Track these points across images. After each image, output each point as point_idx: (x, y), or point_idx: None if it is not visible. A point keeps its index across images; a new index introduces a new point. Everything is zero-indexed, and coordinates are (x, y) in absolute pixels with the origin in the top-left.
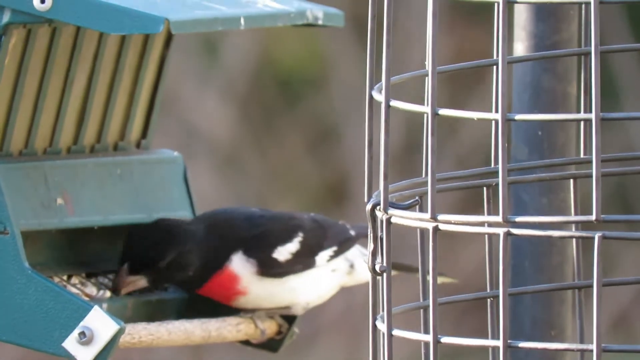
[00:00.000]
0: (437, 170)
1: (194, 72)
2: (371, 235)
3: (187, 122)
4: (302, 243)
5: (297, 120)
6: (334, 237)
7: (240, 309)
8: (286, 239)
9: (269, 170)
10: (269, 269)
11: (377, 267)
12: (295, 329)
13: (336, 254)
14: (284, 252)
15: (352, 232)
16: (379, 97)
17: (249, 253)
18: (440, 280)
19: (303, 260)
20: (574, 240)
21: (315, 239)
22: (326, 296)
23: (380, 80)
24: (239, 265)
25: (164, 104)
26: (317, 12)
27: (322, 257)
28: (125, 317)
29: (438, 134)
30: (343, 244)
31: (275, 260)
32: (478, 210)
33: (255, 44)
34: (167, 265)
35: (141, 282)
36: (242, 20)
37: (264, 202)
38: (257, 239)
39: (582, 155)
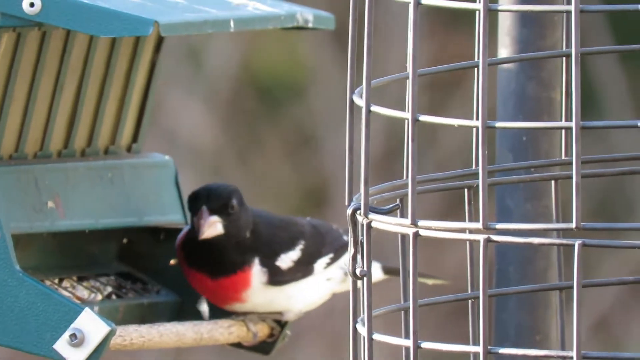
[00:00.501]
0: (417, 173)
1: (177, 80)
2: (351, 239)
3: (169, 129)
4: (303, 251)
5: (278, 127)
6: (330, 244)
7: (233, 312)
8: (290, 246)
9: (250, 176)
10: (273, 277)
11: (358, 272)
12: (287, 331)
13: (332, 261)
14: (287, 260)
15: (346, 238)
16: (360, 101)
17: (262, 261)
18: (431, 282)
19: (302, 268)
20: (556, 246)
21: (314, 246)
22: (319, 303)
23: (361, 85)
24: (256, 273)
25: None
26: (307, 15)
27: (320, 264)
28: (117, 320)
29: (418, 138)
30: (338, 251)
31: (278, 268)
32: (459, 213)
33: (237, 52)
34: (237, 208)
35: (219, 226)
36: (231, 23)
37: None
38: (268, 245)
39: (562, 156)
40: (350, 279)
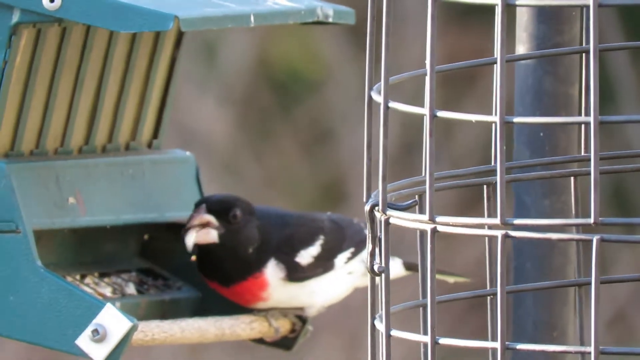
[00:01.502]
0: (435, 170)
1: (192, 75)
2: (369, 235)
3: (184, 125)
4: (323, 246)
5: (293, 123)
6: (351, 239)
7: (256, 309)
8: (309, 242)
9: (265, 172)
10: (294, 273)
11: (376, 268)
12: (309, 326)
13: (353, 255)
14: (306, 256)
15: (367, 231)
16: (378, 98)
17: (279, 258)
18: (452, 279)
19: (323, 264)
20: (575, 242)
21: (334, 241)
22: (341, 297)
23: (379, 81)
24: (272, 272)
25: None
26: (327, 10)
27: (341, 259)
28: (138, 316)
29: (436, 135)
30: (359, 245)
31: (298, 264)
32: (477, 209)
33: (253, 47)
34: (239, 220)
35: (212, 231)
36: (252, 18)
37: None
38: (285, 242)
39: (582, 153)
40: None
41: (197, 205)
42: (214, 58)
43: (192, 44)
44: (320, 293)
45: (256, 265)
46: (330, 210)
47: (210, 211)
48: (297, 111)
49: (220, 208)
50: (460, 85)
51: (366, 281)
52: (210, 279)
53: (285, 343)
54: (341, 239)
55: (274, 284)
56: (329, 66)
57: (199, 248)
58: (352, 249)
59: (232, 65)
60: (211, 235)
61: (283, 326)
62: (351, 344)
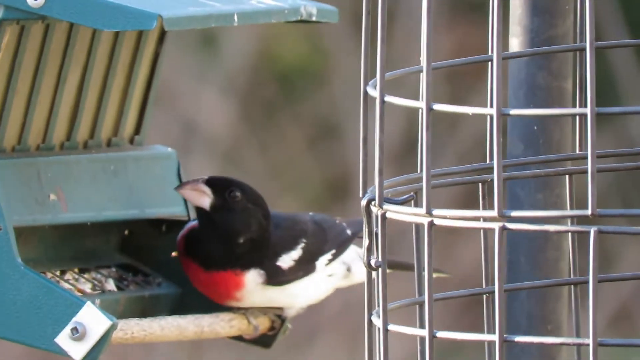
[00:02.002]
0: (436, 166)
1: (194, 68)
2: (366, 230)
3: (187, 117)
4: (304, 249)
5: (297, 117)
6: (333, 240)
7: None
8: (291, 246)
9: (268, 166)
10: (274, 277)
11: (372, 263)
12: (288, 324)
13: (334, 257)
14: (287, 260)
15: (349, 231)
16: (374, 92)
17: (260, 264)
18: (435, 275)
19: (304, 267)
20: (569, 235)
21: (316, 244)
22: (320, 298)
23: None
24: (251, 276)
25: (164, 99)
26: (310, 9)
27: (322, 261)
28: (118, 312)
29: (438, 130)
30: (341, 246)
31: (279, 268)
32: (473, 207)
33: (255, 39)
34: (237, 201)
35: (205, 197)
36: (235, 17)
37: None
38: (269, 248)
39: (577, 151)
40: (353, 275)
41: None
42: (216, 50)
43: (195, 35)
44: (299, 295)
45: (241, 262)
46: (334, 204)
47: (208, 183)
48: (301, 104)
49: (219, 183)
50: (466, 81)
51: (348, 282)
52: (195, 259)
53: (264, 341)
54: (323, 241)
55: (250, 288)
56: (333, 59)
57: (194, 231)
58: (333, 251)
59: (235, 58)
60: (203, 200)
61: (262, 324)
62: (352, 340)
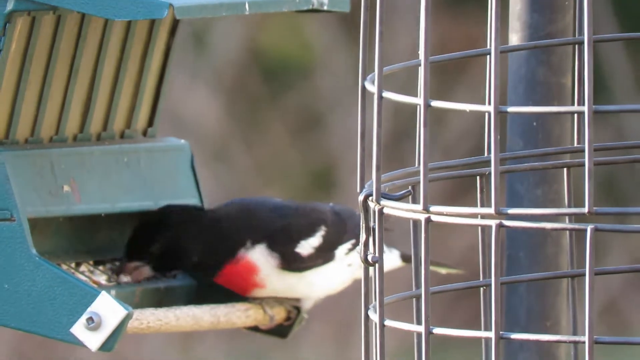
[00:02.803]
0: (429, 158)
1: (181, 64)
2: (363, 225)
3: (173, 112)
4: (324, 237)
5: (283, 111)
6: (352, 231)
7: (253, 298)
8: (310, 233)
9: (256, 160)
10: (292, 263)
11: (369, 258)
12: (305, 315)
13: (353, 247)
14: (306, 247)
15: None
16: (372, 88)
17: (272, 246)
18: (445, 270)
19: (324, 255)
20: (567, 232)
21: (336, 233)
22: (339, 289)
23: (371, 71)
24: (261, 257)
25: None
26: None
27: (341, 251)
28: (134, 303)
29: (431, 121)
30: (360, 237)
31: (298, 254)
32: (470, 198)
33: (242, 33)
34: (161, 251)
35: (144, 269)
36: (246, 6)
37: (251, 193)
38: (282, 232)
39: (575, 144)
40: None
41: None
42: (203, 45)
43: (181, 31)
44: (318, 284)
45: (229, 253)
46: (320, 197)
47: (130, 257)
48: (288, 99)
49: (138, 251)
50: (452, 73)
51: None
52: (197, 273)
53: (280, 331)
54: (342, 231)
55: (266, 270)
56: (319, 54)
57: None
58: (353, 241)
59: (222, 53)
60: (144, 271)
61: (278, 314)
62: (343, 332)
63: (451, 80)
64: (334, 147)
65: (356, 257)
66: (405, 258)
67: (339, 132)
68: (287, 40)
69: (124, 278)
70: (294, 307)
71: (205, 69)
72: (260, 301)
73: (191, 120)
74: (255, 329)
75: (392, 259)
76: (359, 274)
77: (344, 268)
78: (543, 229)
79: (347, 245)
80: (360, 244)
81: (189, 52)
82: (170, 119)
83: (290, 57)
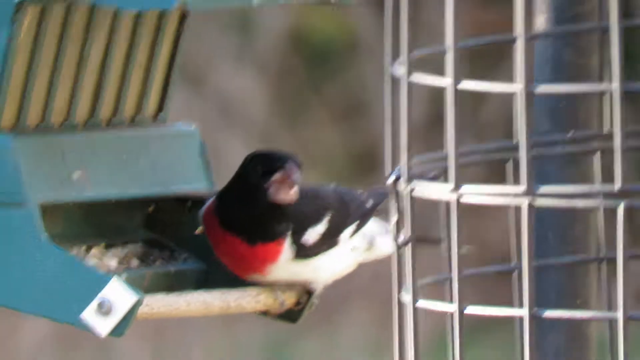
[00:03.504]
0: (460, 143)
1: (227, 48)
2: (394, 208)
3: (220, 97)
4: (329, 223)
5: (327, 94)
6: (354, 213)
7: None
8: (316, 219)
9: (299, 143)
10: (300, 252)
11: (401, 240)
12: (315, 300)
13: (357, 229)
14: (313, 234)
15: (370, 203)
16: (400, 71)
17: (293, 236)
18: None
19: (328, 241)
20: (598, 211)
21: (340, 217)
22: (344, 273)
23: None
24: (286, 248)
25: (198, 78)
26: None
27: (345, 234)
28: (143, 288)
29: (462, 107)
30: (363, 219)
31: (305, 242)
32: (500, 184)
33: (287, 19)
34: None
35: (295, 189)
36: None
37: None
38: (298, 219)
39: (604, 128)
40: (375, 248)
41: (272, 162)
42: (249, 30)
43: (227, 16)
44: (323, 269)
45: (282, 231)
46: (362, 180)
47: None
48: (331, 81)
49: (300, 166)
50: (490, 58)
51: (369, 256)
52: (240, 235)
53: (290, 316)
54: (346, 214)
55: (281, 262)
56: (362, 36)
57: (232, 205)
58: (356, 223)
59: (267, 37)
60: (293, 194)
61: (289, 299)
62: (382, 311)
63: (491, 65)
64: (377, 130)
65: (359, 240)
66: (421, 239)
67: (382, 115)
68: (331, 25)
69: (134, 262)
70: (305, 292)
71: (250, 53)
72: (271, 286)
73: (237, 104)
74: (265, 313)
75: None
76: (363, 257)
77: (347, 252)
78: (573, 208)
79: (351, 228)
80: (391, 226)
81: (234, 36)
82: (216, 103)
83: (333, 41)
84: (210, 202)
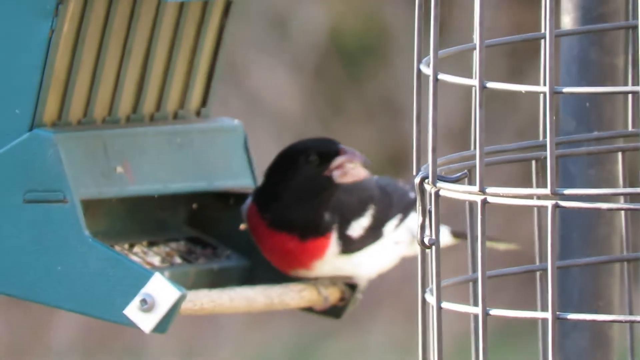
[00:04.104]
0: (494, 143)
1: (263, 45)
2: (420, 208)
3: (254, 94)
4: (373, 216)
5: (361, 93)
6: (397, 204)
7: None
8: (360, 213)
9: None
10: (345, 246)
11: (426, 240)
12: (359, 295)
13: (400, 222)
14: (357, 228)
15: (412, 195)
16: (427, 70)
17: (339, 229)
18: (503, 246)
19: (373, 234)
20: (622, 212)
21: (384, 210)
22: (388, 267)
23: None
24: (333, 242)
25: (232, 74)
26: None
27: (389, 227)
28: (187, 285)
29: (495, 107)
30: (406, 210)
31: (350, 237)
32: (526, 184)
33: (323, 17)
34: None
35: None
36: None
37: None
38: (342, 211)
39: (630, 128)
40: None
41: (327, 145)
42: (285, 28)
43: (264, 14)
44: (366, 264)
45: (330, 223)
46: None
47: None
48: (365, 80)
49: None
50: (526, 56)
51: (413, 251)
52: (291, 231)
53: (334, 312)
54: (389, 206)
55: (327, 257)
56: (396, 36)
57: (281, 202)
58: (399, 216)
59: (303, 35)
60: (363, 172)
61: (332, 295)
62: (411, 312)
63: (525, 63)
64: (410, 130)
65: (403, 233)
66: (457, 234)
67: (412, 114)
68: (366, 23)
69: (177, 260)
70: (348, 287)
71: (285, 50)
72: (315, 282)
73: (271, 101)
74: (309, 309)
75: (442, 236)
76: (407, 252)
77: (391, 246)
78: (597, 210)
79: (394, 221)
80: (416, 226)
81: (271, 34)
82: (251, 100)
83: (368, 40)
84: (250, 204)
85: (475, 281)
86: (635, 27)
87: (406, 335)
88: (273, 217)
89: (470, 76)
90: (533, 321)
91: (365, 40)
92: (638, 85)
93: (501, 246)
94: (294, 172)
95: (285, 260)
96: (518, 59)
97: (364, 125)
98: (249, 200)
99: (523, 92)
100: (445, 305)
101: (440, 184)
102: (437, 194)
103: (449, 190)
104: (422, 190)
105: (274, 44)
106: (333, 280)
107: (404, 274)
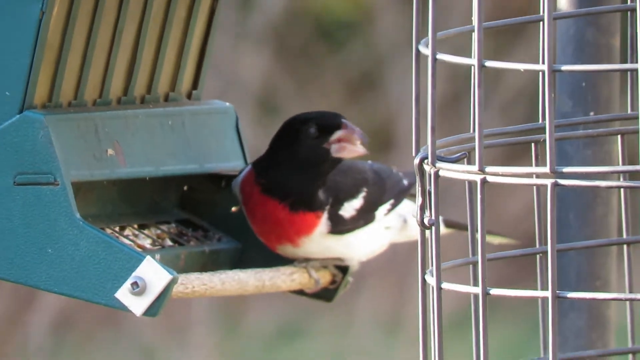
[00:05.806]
0: (483, 119)
1: (231, 20)
2: (419, 189)
3: (228, 72)
4: (365, 199)
5: (339, 68)
6: (390, 190)
7: (285, 256)
8: (353, 194)
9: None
10: (336, 226)
11: (426, 221)
12: (349, 278)
13: (392, 207)
14: (349, 209)
15: (406, 182)
16: (426, 51)
17: (330, 209)
18: (497, 240)
19: (365, 216)
20: (620, 191)
21: (376, 193)
22: (377, 252)
23: (426, 35)
24: (323, 222)
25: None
26: None
27: (381, 211)
28: (178, 268)
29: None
30: (398, 196)
31: (341, 217)
32: (523, 165)
33: None
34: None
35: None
36: None
37: None
38: (335, 192)
39: (629, 109)
40: (409, 228)
41: (330, 119)
42: (263, 5)
43: None
44: (357, 246)
45: (324, 202)
46: (377, 156)
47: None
48: (343, 56)
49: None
50: (509, 35)
51: (404, 236)
52: (283, 200)
53: (325, 294)
54: (382, 191)
55: (314, 235)
56: (373, 9)
57: (280, 170)
58: (391, 201)
59: (276, 9)
60: (361, 149)
61: (323, 277)
62: (398, 290)
63: (508, 42)
64: (391, 106)
65: (394, 218)
66: (449, 224)
67: (395, 91)
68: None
69: (168, 242)
70: (339, 270)
71: (260, 26)
72: (305, 264)
73: (247, 79)
74: (300, 292)
75: None
76: (397, 237)
77: (381, 230)
78: (593, 189)
79: (387, 205)
80: (416, 206)
81: (242, 9)
82: (225, 78)
83: (345, 14)
84: (247, 172)
85: (475, 263)
86: (633, 10)
87: (391, 314)
88: (267, 182)
89: (458, 55)
90: (533, 299)
91: (341, 12)
92: (634, 61)
93: (496, 241)
94: (294, 141)
95: (273, 232)
96: (503, 39)
97: (343, 101)
98: (246, 170)
99: (522, 70)
100: (445, 285)
101: (439, 165)
102: (436, 175)
103: (448, 170)
104: (422, 171)
105: (245, 17)
106: (324, 263)
107: (388, 252)
